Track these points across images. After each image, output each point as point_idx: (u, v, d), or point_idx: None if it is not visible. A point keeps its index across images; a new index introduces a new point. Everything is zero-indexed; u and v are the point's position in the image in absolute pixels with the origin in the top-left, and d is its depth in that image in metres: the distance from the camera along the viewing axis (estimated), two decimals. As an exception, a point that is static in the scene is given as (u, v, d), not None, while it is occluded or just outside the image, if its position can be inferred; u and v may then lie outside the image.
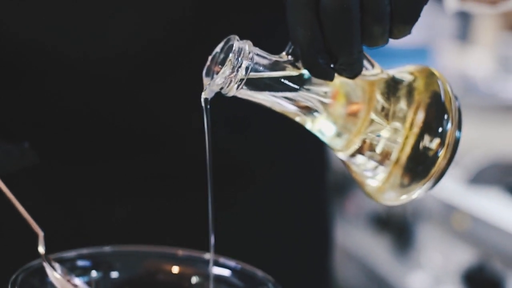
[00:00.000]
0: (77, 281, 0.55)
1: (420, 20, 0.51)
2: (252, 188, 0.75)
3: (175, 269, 0.58)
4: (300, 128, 0.77)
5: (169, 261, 0.58)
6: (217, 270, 0.57)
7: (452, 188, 1.32)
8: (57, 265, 0.55)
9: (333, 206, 0.84)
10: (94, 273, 0.57)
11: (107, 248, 0.58)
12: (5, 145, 0.58)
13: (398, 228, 1.46)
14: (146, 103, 0.69)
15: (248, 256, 0.60)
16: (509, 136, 1.58)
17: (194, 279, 0.58)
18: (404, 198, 0.53)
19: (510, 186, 1.29)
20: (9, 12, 0.66)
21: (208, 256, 0.59)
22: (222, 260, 0.58)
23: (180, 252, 0.59)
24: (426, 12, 0.51)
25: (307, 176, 0.79)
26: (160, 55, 0.68)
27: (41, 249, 0.56)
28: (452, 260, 1.31)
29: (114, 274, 0.58)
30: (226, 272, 0.58)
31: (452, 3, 0.78)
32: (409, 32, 0.49)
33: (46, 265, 0.55)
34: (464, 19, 2.52)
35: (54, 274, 0.54)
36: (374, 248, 1.56)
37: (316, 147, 0.80)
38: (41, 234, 0.56)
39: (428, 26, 2.45)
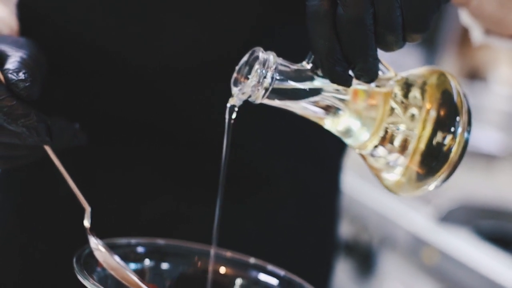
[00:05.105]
0: (117, 258, 0.57)
1: (386, 58, 0.56)
2: (269, 198, 0.77)
3: (222, 270, 0.61)
4: (320, 148, 0.81)
5: (217, 261, 0.61)
6: (262, 277, 0.60)
7: (422, 224, 1.37)
8: (99, 241, 0.57)
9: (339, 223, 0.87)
10: (147, 261, 0.59)
11: (160, 241, 0.61)
12: (60, 123, 0.60)
13: (363, 256, 1.50)
14: (184, 110, 0.72)
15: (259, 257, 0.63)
16: (475, 182, 1.65)
17: (239, 281, 0.60)
18: (419, 191, 0.56)
19: (477, 228, 1.35)
20: (78, 17, 0.70)
21: (253, 260, 0.62)
22: (270, 267, 0.61)
23: (229, 253, 0.61)
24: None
25: (320, 196, 0.83)
26: (206, 71, 0.70)
27: (87, 223, 0.58)
28: (414, 293, 1.35)
29: (165, 266, 0.60)
30: (268, 279, 0.61)
31: (477, 36, 0.80)
32: (422, 39, 0.53)
33: (90, 238, 0.57)
34: (429, 63, 2.61)
35: (99, 247, 0.56)
36: (337, 273, 1.59)
37: (332, 168, 0.83)
38: (88, 209, 0.58)
39: (393, 65, 2.52)
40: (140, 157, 0.73)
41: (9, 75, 0.56)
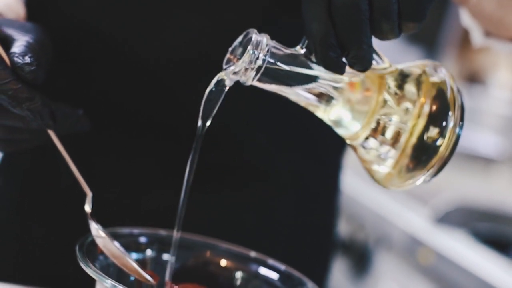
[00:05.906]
0: (117, 244, 0.57)
1: (387, 57, 0.55)
2: (268, 192, 0.77)
3: (223, 262, 0.61)
4: (320, 144, 0.80)
5: (218, 254, 0.61)
6: (262, 270, 0.60)
7: (419, 224, 1.37)
8: (99, 226, 0.57)
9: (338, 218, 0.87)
10: (148, 252, 0.59)
11: (162, 231, 0.60)
12: (64, 108, 0.60)
13: (359, 255, 1.50)
14: (187, 103, 0.71)
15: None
16: (473, 184, 1.66)
17: (239, 274, 0.60)
18: (408, 184, 0.56)
19: (473, 230, 1.36)
20: (84, 5, 0.70)
21: (253, 254, 0.61)
22: (270, 261, 0.61)
23: (231, 247, 0.61)
24: (394, 50, 0.55)
25: (320, 193, 0.82)
26: (210, 64, 0.70)
27: (88, 208, 0.58)
28: (409, 292, 1.36)
29: (166, 256, 0.60)
30: (267, 272, 0.61)
31: (477, 38, 0.80)
32: (418, 29, 0.52)
33: (91, 224, 0.57)
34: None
35: (99, 232, 0.56)
36: (332, 272, 1.59)
37: (333, 165, 0.83)
38: (89, 194, 0.58)
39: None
40: (142, 148, 0.73)
41: (15, 59, 0.56)
